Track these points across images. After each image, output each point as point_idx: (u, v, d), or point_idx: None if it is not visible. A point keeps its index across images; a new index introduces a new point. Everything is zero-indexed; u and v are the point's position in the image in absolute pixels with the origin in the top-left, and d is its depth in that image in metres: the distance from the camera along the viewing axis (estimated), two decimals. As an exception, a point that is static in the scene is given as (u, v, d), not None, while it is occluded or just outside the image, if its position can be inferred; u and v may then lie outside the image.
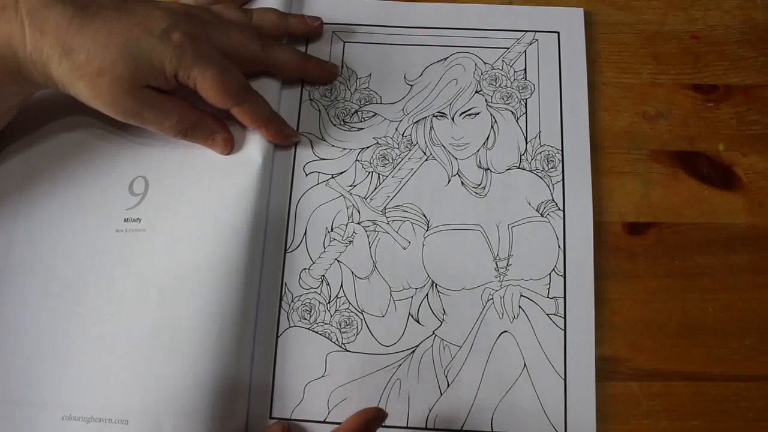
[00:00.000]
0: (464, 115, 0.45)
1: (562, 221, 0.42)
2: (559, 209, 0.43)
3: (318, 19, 0.46)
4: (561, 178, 0.43)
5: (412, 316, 0.41)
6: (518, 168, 0.44)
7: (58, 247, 0.40)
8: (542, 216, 0.42)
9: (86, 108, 0.38)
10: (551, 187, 0.43)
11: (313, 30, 0.46)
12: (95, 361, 0.38)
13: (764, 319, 0.41)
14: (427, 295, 0.41)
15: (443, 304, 0.41)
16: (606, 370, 0.40)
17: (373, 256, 0.42)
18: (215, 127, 0.42)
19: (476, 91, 0.46)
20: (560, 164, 0.44)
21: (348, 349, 0.40)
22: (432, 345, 0.40)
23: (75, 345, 0.38)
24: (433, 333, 0.40)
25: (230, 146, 0.42)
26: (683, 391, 0.40)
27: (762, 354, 0.40)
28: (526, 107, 0.45)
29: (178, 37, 0.37)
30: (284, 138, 0.43)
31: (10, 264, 0.40)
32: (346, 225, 0.43)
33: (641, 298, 0.41)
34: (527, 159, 0.44)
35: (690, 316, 0.41)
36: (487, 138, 0.45)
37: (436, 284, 0.41)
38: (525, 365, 0.40)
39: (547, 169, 0.44)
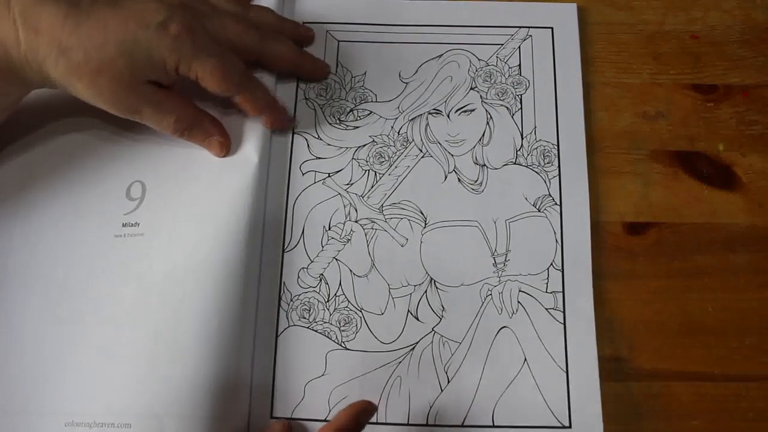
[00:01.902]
0: (460, 111, 0.45)
1: (559, 216, 0.42)
2: (556, 204, 0.43)
3: (310, 30, 0.47)
4: (557, 173, 0.43)
5: (411, 314, 0.41)
6: (514, 163, 0.44)
7: (58, 253, 0.40)
8: (539, 211, 0.43)
9: (81, 112, 0.38)
10: (548, 182, 0.43)
11: (304, 38, 0.47)
12: (97, 366, 0.38)
13: (764, 319, 0.41)
14: (425, 292, 0.41)
15: (442, 300, 0.41)
16: (606, 370, 0.40)
17: (371, 253, 0.42)
18: (212, 130, 0.42)
19: (471, 88, 0.46)
20: (556, 159, 0.44)
21: (348, 347, 0.40)
22: (431, 342, 0.40)
23: (76, 350, 0.38)
24: (433, 330, 0.40)
25: (225, 150, 0.42)
26: (683, 391, 0.40)
27: (762, 354, 0.40)
28: (521, 103, 0.45)
29: (175, 29, 0.37)
30: (283, 123, 0.44)
31: (10, 270, 0.40)
32: (344, 223, 0.43)
33: (641, 298, 0.41)
34: (523, 154, 0.44)
35: (690, 316, 0.41)
36: (483, 134, 0.45)
37: (434, 281, 0.41)
38: (525, 360, 0.39)
39: (543, 164, 0.44)
